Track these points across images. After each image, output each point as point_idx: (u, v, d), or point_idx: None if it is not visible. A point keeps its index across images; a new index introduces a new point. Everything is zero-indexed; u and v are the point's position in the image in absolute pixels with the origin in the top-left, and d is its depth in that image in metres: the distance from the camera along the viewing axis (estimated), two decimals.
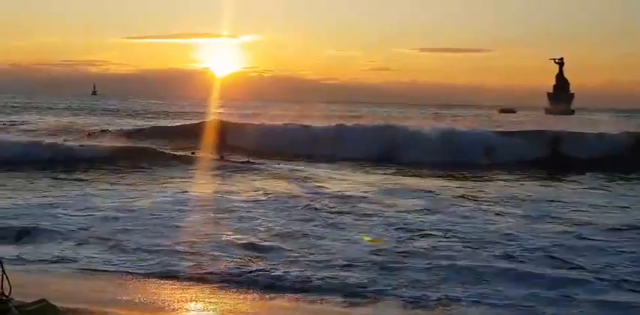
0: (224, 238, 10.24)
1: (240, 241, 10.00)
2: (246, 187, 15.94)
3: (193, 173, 18.79)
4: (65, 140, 24.94)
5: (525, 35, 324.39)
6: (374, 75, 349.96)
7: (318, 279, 8.15)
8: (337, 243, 10.01)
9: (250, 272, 8.41)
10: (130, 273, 8.46)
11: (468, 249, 9.74)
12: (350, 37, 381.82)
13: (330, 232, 10.86)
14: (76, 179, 17.38)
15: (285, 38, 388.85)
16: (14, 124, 38.50)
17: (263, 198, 14.19)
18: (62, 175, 17.99)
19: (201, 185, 16.50)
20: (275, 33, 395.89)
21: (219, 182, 17.06)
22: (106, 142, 24.34)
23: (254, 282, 8.10)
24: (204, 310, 7.28)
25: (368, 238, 10.13)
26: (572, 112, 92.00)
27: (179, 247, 9.58)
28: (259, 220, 11.66)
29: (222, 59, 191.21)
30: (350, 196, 14.43)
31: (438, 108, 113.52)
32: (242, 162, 20.59)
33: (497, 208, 13.49)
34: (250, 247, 9.70)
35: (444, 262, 8.85)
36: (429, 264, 8.79)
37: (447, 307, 7.36)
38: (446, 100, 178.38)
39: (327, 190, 15.45)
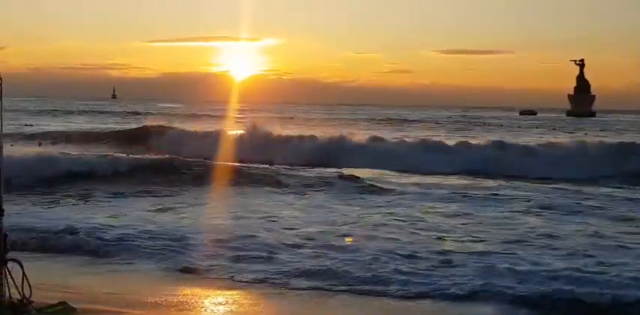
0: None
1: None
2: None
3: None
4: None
5: (546, 37, 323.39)
6: (394, 77, 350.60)
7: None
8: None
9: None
10: (150, 274, 8.41)
11: None
12: (369, 39, 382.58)
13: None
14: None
15: (304, 41, 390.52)
16: (28, 126, 38.32)
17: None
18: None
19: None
20: (295, 36, 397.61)
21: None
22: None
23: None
24: (232, 311, 7.16)
25: (349, 239, 10.10)
26: (594, 113, 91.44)
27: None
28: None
29: (242, 62, 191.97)
30: None
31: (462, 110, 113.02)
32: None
33: None
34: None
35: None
36: None
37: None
38: (466, 101, 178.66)
39: None
